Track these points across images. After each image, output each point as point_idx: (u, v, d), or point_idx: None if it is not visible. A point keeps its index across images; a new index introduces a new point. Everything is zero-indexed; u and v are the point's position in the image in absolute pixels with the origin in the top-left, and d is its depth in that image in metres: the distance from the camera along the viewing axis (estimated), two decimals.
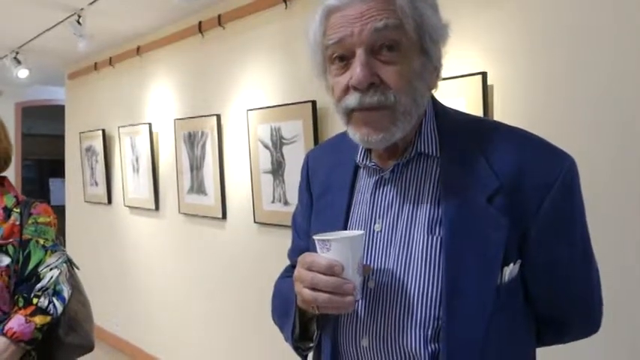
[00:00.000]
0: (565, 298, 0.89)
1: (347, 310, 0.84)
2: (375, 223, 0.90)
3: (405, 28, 0.82)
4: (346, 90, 0.84)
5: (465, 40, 1.93)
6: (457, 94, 1.90)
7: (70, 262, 1.67)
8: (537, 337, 0.93)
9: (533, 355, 0.92)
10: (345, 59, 0.84)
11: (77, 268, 1.72)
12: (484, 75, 1.87)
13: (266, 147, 2.79)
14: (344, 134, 1.03)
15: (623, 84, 1.58)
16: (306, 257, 0.85)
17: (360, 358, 0.88)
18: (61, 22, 3.36)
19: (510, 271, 0.83)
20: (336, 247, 0.81)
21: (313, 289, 0.82)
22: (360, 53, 0.81)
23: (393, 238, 0.88)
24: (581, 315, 0.92)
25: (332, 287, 0.80)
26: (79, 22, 3.19)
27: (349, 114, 0.86)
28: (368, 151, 0.94)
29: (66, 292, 1.57)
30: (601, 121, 1.62)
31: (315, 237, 0.85)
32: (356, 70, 0.81)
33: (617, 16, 1.59)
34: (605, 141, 1.60)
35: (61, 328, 1.56)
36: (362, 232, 0.86)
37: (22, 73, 4.23)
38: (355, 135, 0.87)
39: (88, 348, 1.67)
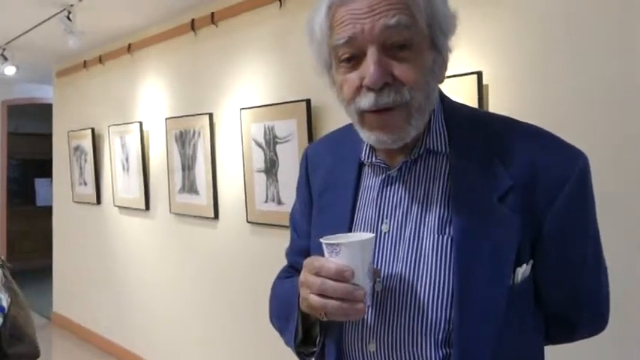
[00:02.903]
0: (576, 297, 0.88)
1: (357, 318, 0.80)
2: (382, 224, 0.87)
3: (417, 23, 0.78)
4: (358, 90, 0.81)
5: (461, 40, 1.90)
6: (452, 94, 1.88)
7: (2, 265, 1.54)
8: (546, 336, 0.91)
9: (542, 355, 0.91)
10: (354, 58, 0.80)
11: (8, 267, 1.60)
12: (479, 74, 1.87)
13: (259, 146, 2.77)
14: (346, 128, 0.99)
15: (619, 84, 1.59)
16: (313, 262, 0.81)
17: None
18: (51, 17, 3.32)
19: (523, 272, 0.81)
20: (345, 252, 0.77)
21: (321, 295, 0.78)
22: (372, 52, 0.78)
23: (402, 238, 0.85)
24: (590, 313, 0.91)
25: (342, 294, 0.76)
26: (69, 18, 3.15)
27: (362, 115, 0.83)
28: (373, 148, 0.90)
29: (5, 301, 1.44)
30: (597, 121, 1.63)
31: (322, 240, 0.81)
32: (370, 70, 0.77)
33: (613, 15, 1.60)
34: (601, 141, 1.61)
35: (4, 339, 1.44)
36: (372, 234, 0.82)
37: (9, 70, 4.16)
38: (370, 137, 0.84)
39: (34, 356, 1.54)
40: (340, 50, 0.81)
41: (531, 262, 0.83)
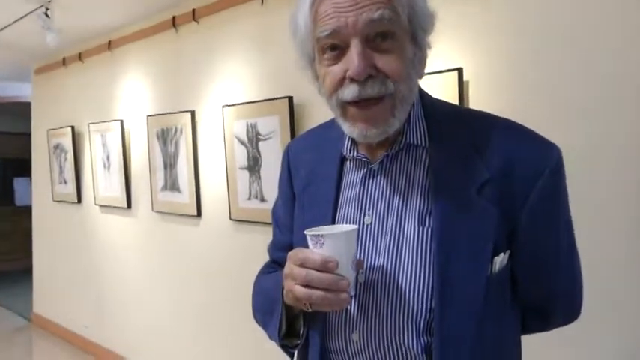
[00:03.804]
0: (551, 287, 0.90)
1: (341, 307, 0.82)
2: (364, 216, 0.88)
3: (400, 17, 0.80)
4: (341, 81, 0.82)
5: (441, 36, 1.92)
6: (433, 90, 1.89)
7: None
8: (522, 326, 0.93)
9: (519, 343, 0.93)
10: (337, 49, 0.82)
11: None
12: (460, 71, 1.89)
13: (242, 143, 2.76)
14: (327, 124, 1.01)
15: (596, 82, 1.61)
16: (298, 253, 0.82)
17: (350, 352, 0.87)
18: (28, 14, 3.26)
19: (500, 261, 0.83)
20: (330, 243, 0.79)
21: (306, 285, 0.79)
22: (356, 43, 0.79)
23: (384, 230, 0.86)
24: (565, 303, 0.93)
25: (327, 284, 0.78)
26: (47, 15, 3.10)
27: (345, 107, 0.84)
28: (355, 143, 0.92)
29: None
30: (575, 118, 1.65)
31: (307, 232, 0.82)
32: (354, 62, 0.79)
33: (590, 14, 1.62)
34: (578, 138, 1.63)
35: None
36: (355, 226, 0.84)
37: None
38: (353, 131, 0.85)
39: None
40: (323, 41, 0.82)
41: (508, 251, 0.85)
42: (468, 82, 1.90)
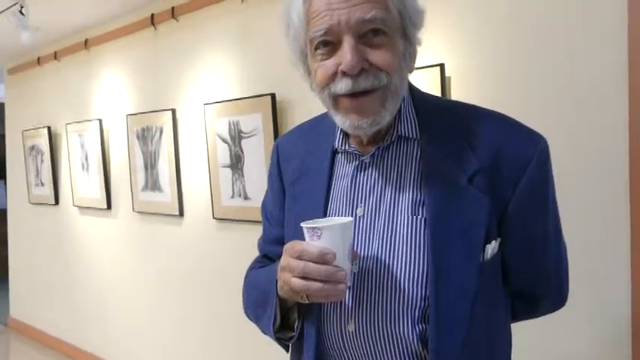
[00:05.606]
0: (539, 272, 0.92)
1: (338, 299, 0.83)
2: (356, 208, 0.89)
3: (391, 14, 0.82)
4: (333, 76, 0.83)
5: (424, 32, 1.95)
6: (416, 86, 1.93)
7: None
8: (512, 313, 0.96)
9: (510, 330, 0.96)
10: (330, 44, 0.83)
11: None
12: (442, 67, 1.91)
13: (224, 141, 2.75)
14: (317, 119, 1.03)
15: (578, 80, 1.64)
16: (295, 246, 0.83)
17: (345, 343, 0.88)
18: (2, 12, 3.19)
19: (492, 248, 0.85)
20: (327, 235, 0.80)
21: (304, 278, 0.80)
22: (348, 39, 0.81)
23: (376, 221, 0.88)
24: (552, 290, 0.96)
25: (325, 276, 0.79)
26: (21, 13, 3.03)
27: (337, 99, 0.85)
28: (346, 136, 0.93)
29: None
30: (555, 114, 1.68)
31: (303, 224, 0.83)
32: (347, 57, 0.80)
33: (573, 12, 1.65)
34: (560, 135, 1.66)
35: None
36: (351, 218, 0.85)
37: None
38: (345, 122, 0.86)
39: None
40: (317, 40, 0.84)
41: (499, 239, 0.87)
42: (450, 78, 1.93)
